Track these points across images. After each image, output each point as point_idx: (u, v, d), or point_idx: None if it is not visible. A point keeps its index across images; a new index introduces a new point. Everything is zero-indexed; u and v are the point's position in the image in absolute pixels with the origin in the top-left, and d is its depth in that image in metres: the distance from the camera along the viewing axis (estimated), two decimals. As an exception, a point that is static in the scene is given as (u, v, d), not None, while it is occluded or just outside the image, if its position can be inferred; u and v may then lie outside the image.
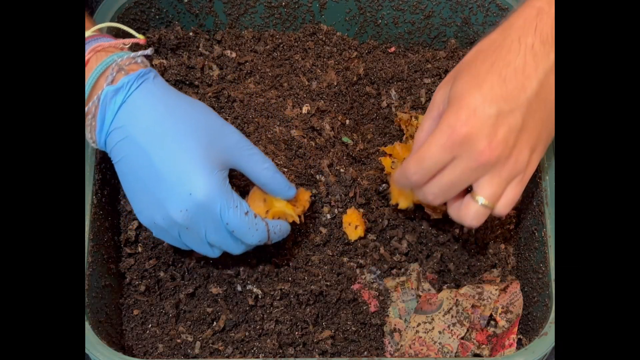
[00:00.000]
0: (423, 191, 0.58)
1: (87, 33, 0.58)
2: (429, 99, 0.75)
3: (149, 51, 0.60)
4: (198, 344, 0.63)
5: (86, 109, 0.56)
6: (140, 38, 0.61)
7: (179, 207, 0.55)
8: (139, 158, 0.56)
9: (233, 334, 0.64)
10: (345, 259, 0.67)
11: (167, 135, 0.56)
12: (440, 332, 0.63)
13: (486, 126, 0.53)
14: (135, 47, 0.61)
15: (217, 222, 0.57)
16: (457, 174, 0.55)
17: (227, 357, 0.63)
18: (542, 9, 0.54)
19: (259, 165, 0.59)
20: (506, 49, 0.54)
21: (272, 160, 0.66)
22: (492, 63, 0.54)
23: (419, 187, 0.58)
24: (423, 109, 0.74)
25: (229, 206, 0.57)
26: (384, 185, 0.69)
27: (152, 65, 0.71)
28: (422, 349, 0.62)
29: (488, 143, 0.53)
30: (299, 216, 0.63)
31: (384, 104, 0.74)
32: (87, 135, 0.58)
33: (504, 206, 0.57)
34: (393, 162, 0.67)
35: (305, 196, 0.63)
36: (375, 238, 0.68)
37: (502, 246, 0.68)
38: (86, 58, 0.56)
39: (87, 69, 0.56)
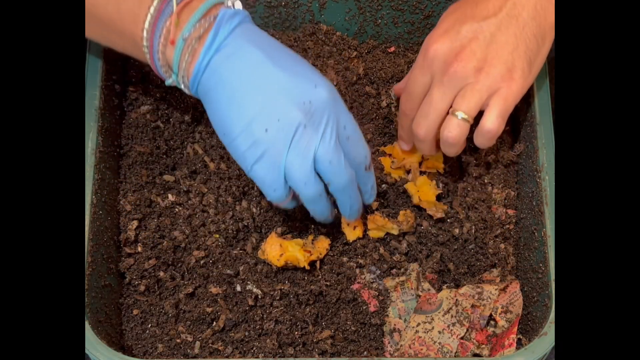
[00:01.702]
0: (414, 128, 0.62)
1: None
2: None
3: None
4: (198, 343, 0.63)
5: (191, 32, 0.55)
6: None
7: (302, 99, 0.55)
8: (257, 66, 0.55)
9: (233, 334, 0.64)
10: (344, 259, 0.67)
11: (288, 54, 0.58)
12: (440, 332, 0.63)
13: (455, 40, 0.59)
14: None
15: (335, 123, 0.56)
16: (432, 95, 0.60)
17: (227, 357, 0.63)
18: None
19: (362, 149, 0.60)
20: None
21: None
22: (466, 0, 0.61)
23: (411, 122, 0.63)
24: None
25: (347, 110, 0.58)
26: (383, 185, 0.69)
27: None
28: (421, 349, 0.62)
29: (455, 54, 0.58)
30: (315, 261, 0.65)
31: (384, 103, 0.74)
32: (181, 59, 0.56)
33: (491, 121, 0.59)
34: (393, 162, 0.67)
35: (324, 244, 0.64)
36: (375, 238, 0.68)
37: (502, 246, 0.68)
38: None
39: (195, 1, 0.56)
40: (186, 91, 0.58)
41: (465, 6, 0.60)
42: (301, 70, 0.57)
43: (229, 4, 0.57)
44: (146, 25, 0.55)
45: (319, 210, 0.59)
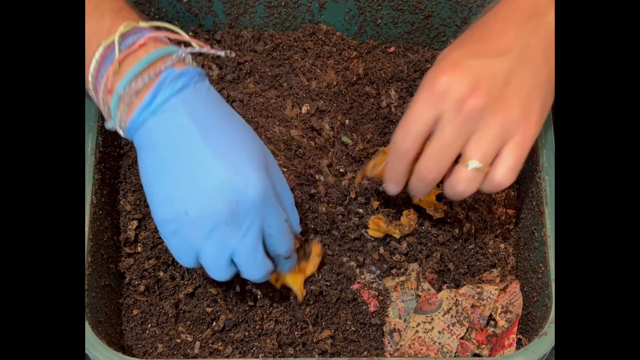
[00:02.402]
0: (417, 170, 0.56)
1: (143, 24, 0.54)
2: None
3: (222, 52, 0.57)
4: (197, 343, 0.63)
5: (129, 86, 0.52)
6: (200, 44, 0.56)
7: (229, 198, 0.52)
8: (190, 143, 0.52)
9: (233, 334, 0.64)
10: (344, 259, 0.67)
11: (227, 132, 0.54)
12: (439, 332, 0.63)
13: (468, 75, 0.52)
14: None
15: (259, 225, 0.54)
16: (445, 134, 0.53)
17: (227, 357, 0.63)
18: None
19: (286, 245, 0.58)
20: (483, 23, 0.56)
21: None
22: (471, 34, 0.55)
23: (410, 163, 0.56)
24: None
25: (277, 209, 0.55)
26: (382, 187, 0.69)
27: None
28: (421, 349, 0.62)
29: (471, 90, 0.52)
30: (315, 272, 0.65)
31: (384, 103, 0.74)
32: (117, 109, 0.53)
33: (503, 173, 0.54)
34: None
35: (316, 250, 0.64)
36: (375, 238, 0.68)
37: (502, 246, 0.68)
38: (142, 41, 0.53)
39: (141, 50, 0.53)
40: (123, 135, 0.55)
41: (470, 43, 0.55)
42: (238, 160, 0.53)
43: (178, 57, 0.53)
44: (91, 70, 0.53)
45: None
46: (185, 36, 0.56)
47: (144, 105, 0.52)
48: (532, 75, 0.54)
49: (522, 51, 0.53)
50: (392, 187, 0.60)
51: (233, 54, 0.58)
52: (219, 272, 0.56)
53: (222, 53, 0.57)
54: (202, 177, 0.52)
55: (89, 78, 0.54)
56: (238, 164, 0.53)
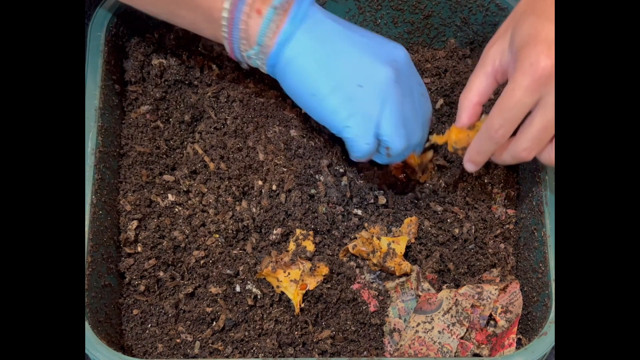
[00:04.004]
0: (513, 149, 0.55)
1: None
2: (428, 99, 0.75)
3: None
4: (197, 343, 0.63)
5: (279, 1, 0.56)
6: None
7: (389, 57, 0.59)
8: (341, 33, 0.58)
9: (232, 334, 0.64)
10: (344, 259, 0.67)
11: (355, 25, 0.61)
12: (439, 332, 0.63)
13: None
14: None
15: (415, 79, 0.61)
16: (549, 115, 0.52)
17: (227, 357, 0.63)
18: None
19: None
20: None
21: (271, 160, 0.66)
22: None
23: (504, 146, 0.56)
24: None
25: (417, 73, 0.63)
26: (381, 192, 0.69)
27: (151, 65, 0.71)
28: (421, 349, 0.62)
29: None
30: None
31: (384, 103, 0.74)
32: (267, 29, 0.57)
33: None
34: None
35: (323, 271, 0.64)
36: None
37: (502, 246, 0.68)
38: None
39: None
40: (259, 65, 0.59)
41: (550, 11, 0.52)
42: (376, 37, 0.61)
43: None
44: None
45: (398, 160, 0.63)
46: None
47: (293, 15, 0.57)
48: None
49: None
50: (473, 167, 0.61)
51: None
52: (400, 138, 0.59)
53: None
54: (363, 53, 0.58)
55: (225, 5, 0.56)
56: (379, 39, 0.61)
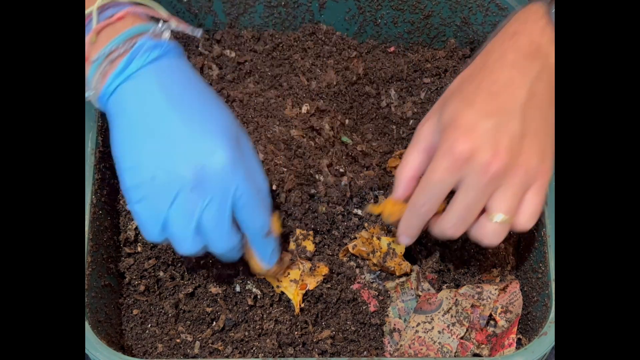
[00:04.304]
0: (440, 226, 0.57)
1: None
2: (428, 99, 0.75)
3: (198, 32, 0.59)
4: (197, 343, 0.63)
5: (106, 49, 0.54)
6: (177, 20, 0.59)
7: (194, 163, 0.53)
8: (158, 110, 0.54)
9: (232, 334, 0.64)
10: (344, 259, 0.67)
11: (197, 102, 0.55)
12: (439, 332, 0.63)
13: (487, 138, 0.53)
14: None
15: (227, 194, 0.54)
16: (470, 196, 0.54)
17: (227, 357, 0.63)
18: (517, 31, 0.56)
19: (258, 218, 0.57)
20: (489, 69, 0.55)
21: (272, 160, 0.66)
22: (479, 84, 0.55)
23: (432, 222, 0.58)
24: (423, 109, 0.74)
25: (247, 178, 0.55)
26: (380, 190, 0.69)
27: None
28: (421, 349, 0.62)
29: (493, 153, 0.52)
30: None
31: (384, 103, 0.74)
32: (93, 78, 0.55)
33: (527, 219, 0.56)
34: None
35: (323, 271, 0.64)
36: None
37: (502, 246, 0.68)
38: (121, 14, 0.55)
39: (120, 23, 0.55)
40: (96, 106, 0.57)
41: (481, 97, 0.54)
42: (207, 127, 0.54)
43: (156, 32, 0.55)
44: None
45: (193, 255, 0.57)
46: (163, 13, 0.57)
47: (117, 72, 0.54)
48: (544, 120, 0.55)
49: (532, 98, 0.54)
50: (406, 240, 0.61)
51: (200, 33, 0.59)
52: (185, 243, 0.55)
53: (198, 33, 0.59)
54: (169, 143, 0.53)
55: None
56: (205, 131, 0.54)
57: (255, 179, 0.56)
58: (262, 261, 0.60)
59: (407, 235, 0.60)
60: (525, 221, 0.55)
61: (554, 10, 0.54)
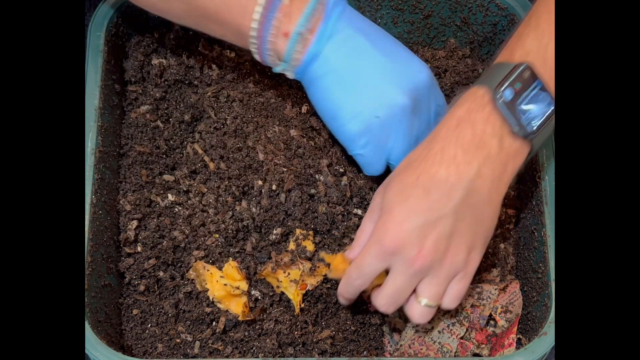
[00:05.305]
0: (375, 302, 0.60)
1: None
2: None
3: None
4: (197, 343, 0.63)
5: (304, 27, 0.58)
6: None
7: (411, 88, 0.60)
8: (369, 55, 0.59)
9: (232, 334, 0.64)
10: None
11: (386, 38, 0.62)
12: (439, 332, 0.63)
13: (413, 236, 0.55)
14: None
15: (431, 107, 0.62)
16: (398, 282, 0.57)
17: (227, 357, 0.63)
18: (462, 118, 0.56)
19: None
20: (430, 161, 0.56)
21: (271, 160, 0.66)
22: (418, 176, 0.56)
23: (358, 291, 0.61)
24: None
25: (440, 90, 0.64)
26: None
27: (151, 65, 0.71)
28: (421, 349, 0.62)
29: (418, 251, 0.55)
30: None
31: (384, 103, 0.74)
32: (293, 50, 0.59)
33: (451, 301, 0.59)
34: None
35: (323, 271, 0.64)
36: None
37: (502, 246, 0.68)
38: None
39: None
40: (290, 76, 0.62)
41: (416, 194, 0.56)
42: (403, 56, 0.61)
43: None
44: (256, 16, 0.57)
45: None
46: None
47: (319, 36, 0.58)
48: (475, 219, 0.57)
49: (466, 198, 0.55)
50: (344, 302, 0.63)
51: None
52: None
53: None
54: (384, 79, 0.59)
55: (252, 25, 0.58)
56: (406, 59, 0.61)
57: None
58: None
59: (343, 298, 0.63)
60: (449, 303, 0.59)
61: (499, 95, 0.55)
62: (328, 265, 0.64)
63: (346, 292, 0.61)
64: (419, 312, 0.59)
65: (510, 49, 0.57)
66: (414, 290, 0.58)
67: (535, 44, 0.56)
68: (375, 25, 0.63)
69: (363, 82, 0.59)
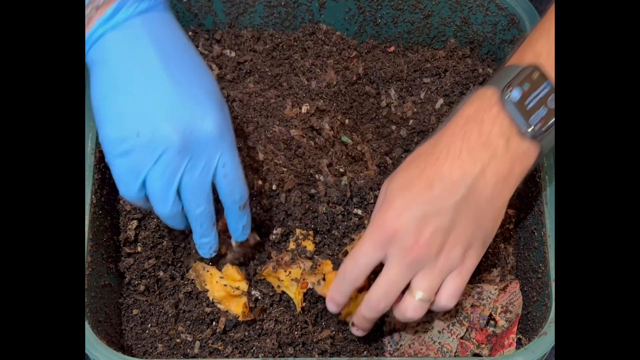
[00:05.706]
0: (367, 299, 0.59)
1: None
2: (428, 99, 0.75)
3: None
4: (197, 343, 0.63)
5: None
6: None
7: (184, 127, 0.52)
8: (147, 63, 0.53)
9: (232, 334, 0.64)
10: (344, 258, 0.67)
11: (187, 62, 0.54)
12: (439, 332, 0.63)
13: (411, 226, 0.55)
14: None
15: (212, 160, 0.54)
16: (393, 272, 0.56)
17: (227, 357, 0.63)
18: (470, 117, 0.56)
19: (238, 189, 0.57)
20: (436, 156, 0.56)
21: (271, 160, 0.66)
22: (423, 169, 0.56)
23: (355, 289, 0.59)
24: (423, 108, 0.74)
25: (233, 148, 0.55)
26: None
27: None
28: (421, 349, 0.62)
29: (415, 241, 0.55)
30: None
31: (384, 103, 0.74)
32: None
33: (446, 299, 0.58)
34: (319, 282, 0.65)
35: (325, 268, 0.64)
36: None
37: (502, 246, 0.68)
38: None
39: None
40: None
41: (419, 184, 0.56)
42: (197, 91, 0.53)
43: None
44: None
45: (172, 225, 0.58)
46: None
47: (104, 20, 0.52)
48: (475, 218, 0.56)
49: (469, 196, 0.55)
50: (333, 308, 0.62)
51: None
52: (165, 203, 0.55)
53: None
54: (158, 100, 0.52)
55: None
56: (196, 95, 0.53)
57: (237, 149, 0.57)
58: (233, 234, 0.61)
59: (334, 303, 0.61)
60: (444, 301, 0.58)
61: (506, 95, 0.55)
62: (323, 278, 0.63)
63: (339, 291, 0.60)
64: (412, 305, 0.57)
65: (522, 52, 0.57)
66: (408, 287, 0.58)
67: (546, 47, 0.55)
68: (189, 49, 0.56)
69: (134, 89, 0.52)
